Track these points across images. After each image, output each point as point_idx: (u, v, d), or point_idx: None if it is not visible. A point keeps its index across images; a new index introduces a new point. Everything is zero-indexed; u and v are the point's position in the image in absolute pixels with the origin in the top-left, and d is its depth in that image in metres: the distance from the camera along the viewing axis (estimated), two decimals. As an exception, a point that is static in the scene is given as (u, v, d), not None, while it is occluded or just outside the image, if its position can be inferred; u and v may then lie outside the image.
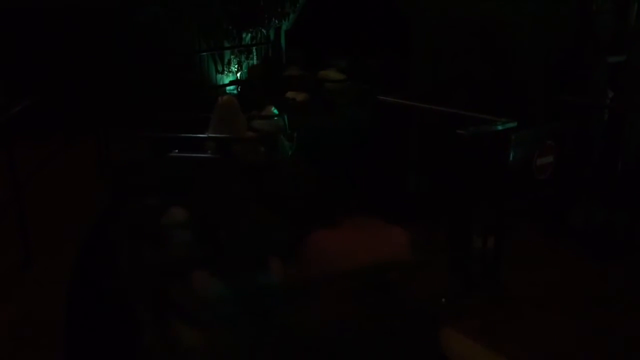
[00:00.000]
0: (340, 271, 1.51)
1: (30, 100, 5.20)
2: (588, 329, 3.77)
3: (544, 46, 5.44)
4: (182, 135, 4.63)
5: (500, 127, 4.14)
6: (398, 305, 1.52)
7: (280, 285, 1.54)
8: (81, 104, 7.02)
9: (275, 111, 5.31)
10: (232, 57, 9.96)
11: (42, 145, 6.41)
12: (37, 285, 4.29)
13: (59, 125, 7.18)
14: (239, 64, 10.01)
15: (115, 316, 2.77)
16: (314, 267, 1.59)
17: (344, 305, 1.45)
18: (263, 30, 10.10)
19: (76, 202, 5.68)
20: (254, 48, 10.14)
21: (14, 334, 3.79)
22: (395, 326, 1.42)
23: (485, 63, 5.70)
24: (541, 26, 5.31)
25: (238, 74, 9.95)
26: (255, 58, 10.21)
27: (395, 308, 1.50)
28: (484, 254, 4.31)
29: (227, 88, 9.61)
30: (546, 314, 3.93)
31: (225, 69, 9.92)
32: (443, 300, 3.71)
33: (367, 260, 1.58)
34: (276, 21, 10.04)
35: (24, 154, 4.91)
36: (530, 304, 4.06)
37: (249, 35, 10.03)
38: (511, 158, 4.17)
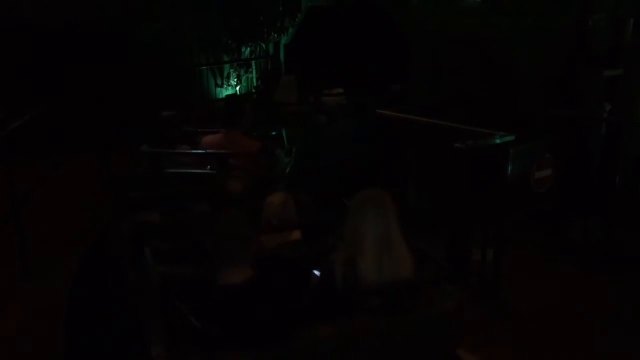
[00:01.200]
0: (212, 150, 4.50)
1: (31, 115, 5.22)
2: (588, 343, 3.76)
3: (541, 61, 5.47)
4: (181, 151, 4.81)
5: (498, 141, 4.15)
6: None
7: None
8: (82, 120, 7.03)
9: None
10: (231, 70, 10.02)
11: (42, 160, 6.41)
12: (36, 300, 4.28)
13: (60, 140, 7.20)
14: (238, 77, 10.06)
15: (113, 328, 2.80)
16: (200, 148, 4.63)
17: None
18: (262, 44, 10.16)
19: (76, 217, 5.69)
20: (253, 62, 10.20)
21: (14, 349, 3.78)
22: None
23: (483, 78, 5.74)
24: (539, 41, 5.35)
25: (237, 88, 10.00)
26: (254, 72, 10.27)
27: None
28: (483, 267, 4.31)
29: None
30: (545, 328, 3.93)
31: (225, 82, 9.97)
32: None
33: (226, 147, 4.50)
34: (275, 35, 10.10)
35: (24, 169, 4.92)
36: (529, 317, 4.05)
37: (248, 49, 10.10)
38: (509, 171, 4.18)
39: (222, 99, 9.64)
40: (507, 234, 4.42)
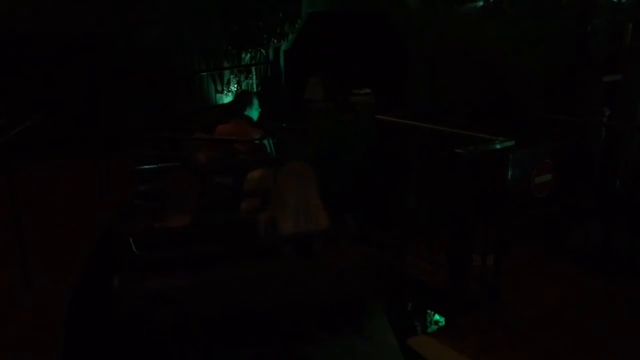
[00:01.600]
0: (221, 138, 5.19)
1: (31, 121, 5.22)
2: (587, 347, 3.76)
3: (541, 66, 5.49)
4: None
5: (498, 146, 4.16)
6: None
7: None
8: (82, 126, 7.05)
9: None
10: (231, 77, 10.03)
11: (43, 166, 6.43)
12: (37, 308, 4.28)
13: (60, 146, 7.21)
14: (239, 83, 10.07)
15: (113, 335, 2.84)
16: (217, 135, 5.31)
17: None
18: (262, 50, 10.17)
19: (76, 222, 5.70)
20: (253, 68, 10.21)
21: (14, 357, 3.77)
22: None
23: (483, 83, 5.74)
24: (538, 47, 5.37)
25: (237, 94, 10.01)
26: (254, 78, 10.28)
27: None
28: (483, 272, 4.31)
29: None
30: (546, 333, 3.92)
31: (225, 88, 9.98)
32: None
33: (233, 134, 5.19)
34: (275, 41, 10.12)
35: (24, 175, 4.92)
36: (529, 323, 4.05)
37: (249, 55, 10.11)
38: (509, 177, 4.18)
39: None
40: (508, 239, 4.42)
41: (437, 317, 4.82)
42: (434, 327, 4.70)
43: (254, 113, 5.54)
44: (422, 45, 6.45)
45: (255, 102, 5.59)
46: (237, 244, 3.23)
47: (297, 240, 3.21)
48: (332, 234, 3.32)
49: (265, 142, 5.34)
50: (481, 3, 6.15)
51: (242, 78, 10.11)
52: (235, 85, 10.01)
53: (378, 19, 7.93)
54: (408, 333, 4.11)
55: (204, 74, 9.80)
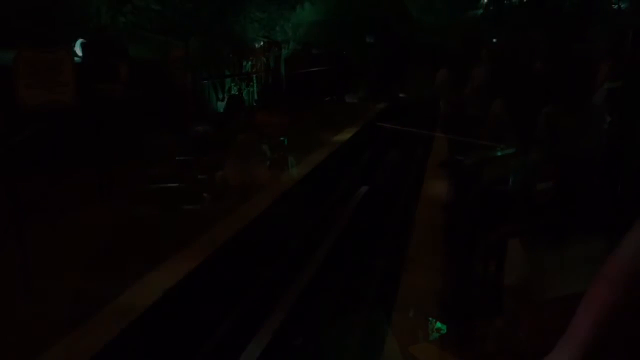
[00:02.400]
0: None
1: (32, 130, 5.23)
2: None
3: (542, 71, 5.49)
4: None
5: (499, 153, 4.16)
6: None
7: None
8: (83, 133, 7.05)
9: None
10: (232, 84, 10.04)
11: (44, 174, 6.42)
12: (36, 312, 4.27)
13: (61, 155, 7.21)
14: (240, 91, 10.08)
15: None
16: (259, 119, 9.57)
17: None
18: (263, 58, 10.20)
19: (77, 231, 5.69)
20: (254, 76, 10.24)
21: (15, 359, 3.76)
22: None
23: (483, 89, 5.75)
24: (539, 52, 5.37)
25: (238, 101, 10.02)
26: (255, 85, 10.30)
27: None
28: (485, 279, 4.29)
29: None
30: (548, 341, 3.89)
31: (226, 96, 9.99)
32: None
33: (267, 120, 8.80)
34: (276, 49, 10.15)
35: (25, 182, 4.91)
36: (532, 329, 4.03)
37: (250, 63, 10.13)
38: (511, 183, 4.18)
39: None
40: (509, 245, 4.40)
41: (438, 324, 4.80)
42: (436, 335, 4.69)
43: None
44: (424, 50, 6.47)
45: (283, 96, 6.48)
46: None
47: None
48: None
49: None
50: (481, 11, 6.17)
51: (244, 86, 10.13)
52: (237, 94, 10.02)
53: (380, 25, 7.97)
54: (410, 340, 4.09)
55: (205, 82, 9.82)
